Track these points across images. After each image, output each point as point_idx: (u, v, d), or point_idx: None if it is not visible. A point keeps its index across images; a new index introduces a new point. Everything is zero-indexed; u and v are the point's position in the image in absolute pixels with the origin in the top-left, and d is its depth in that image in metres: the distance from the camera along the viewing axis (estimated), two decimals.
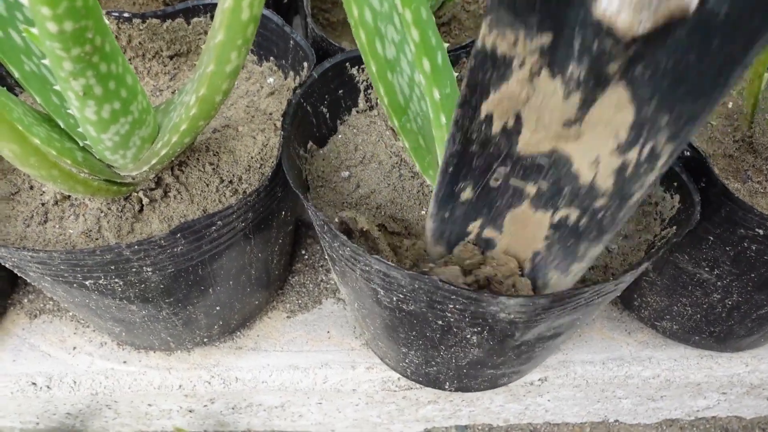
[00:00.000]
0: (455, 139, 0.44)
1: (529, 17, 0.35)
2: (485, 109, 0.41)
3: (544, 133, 0.42)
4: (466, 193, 0.49)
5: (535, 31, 0.36)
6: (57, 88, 0.50)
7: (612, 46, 0.34)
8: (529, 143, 0.43)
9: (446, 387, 0.77)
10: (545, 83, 0.39)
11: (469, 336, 0.60)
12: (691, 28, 0.32)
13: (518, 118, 0.41)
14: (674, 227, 0.58)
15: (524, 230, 0.51)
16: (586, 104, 0.39)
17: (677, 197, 0.60)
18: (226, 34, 0.43)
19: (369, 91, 0.72)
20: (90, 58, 0.41)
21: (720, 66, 0.32)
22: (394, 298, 0.57)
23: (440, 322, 0.58)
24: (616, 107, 0.38)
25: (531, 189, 0.47)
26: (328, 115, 0.70)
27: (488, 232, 0.53)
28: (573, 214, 0.46)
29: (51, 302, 0.86)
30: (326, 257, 0.75)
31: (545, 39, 0.36)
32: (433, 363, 0.70)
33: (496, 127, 0.43)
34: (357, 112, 0.73)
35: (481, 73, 0.39)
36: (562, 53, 0.36)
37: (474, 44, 0.37)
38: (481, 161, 0.46)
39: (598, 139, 0.40)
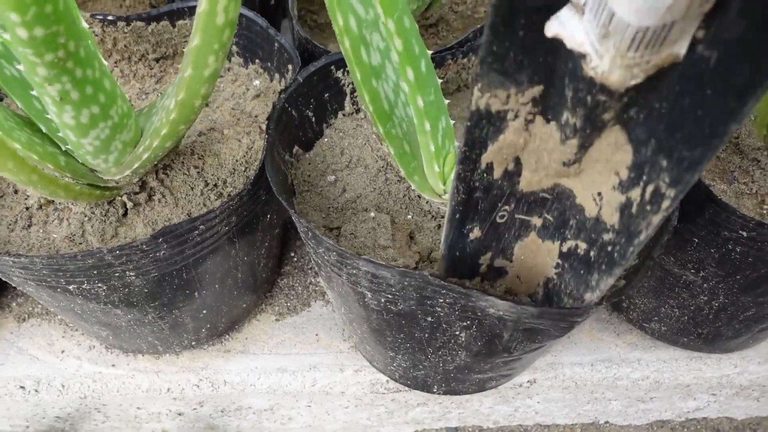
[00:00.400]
0: (458, 190, 0.45)
1: (519, 75, 0.36)
2: (485, 159, 0.42)
3: (545, 172, 0.43)
4: (475, 233, 0.50)
5: (525, 85, 0.36)
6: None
7: (605, 99, 0.34)
8: (530, 182, 0.45)
9: (434, 390, 0.77)
10: (540, 128, 0.40)
11: (457, 333, 0.60)
12: (682, 75, 0.31)
13: (518, 162, 0.43)
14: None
15: (534, 258, 0.52)
16: (584, 147, 0.39)
17: None
18: (202, 38, 0.43)
19: (355, 94, 0.72)
20: (64, 64, 0.41)
21: (716, 114, 0.31)
22: (382, 300, 0.57)
23: (429, 319, 0.58)
24: (613, 148, 0.38)
25: (537, 221, 0.48)
26: (314, 119, 0.70)
27: (499, 262, 0.54)
28: (582, 245, 0.46)
29: (39, 306, 0.86)
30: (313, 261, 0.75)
31: (536, 90, 0.37)
32: (420, 366, 0.70)
33: (497, 173, 0.44)
34: (343, 115, 0.73)
35: (477, 130, 0.40)
36: (555, 101, 0.37)
37: (468, 105, 0.38)
38: (486, 204, 0.47)
39: (599, 176, 0.41)
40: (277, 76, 0.73)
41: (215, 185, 0.64)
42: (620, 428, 1.00)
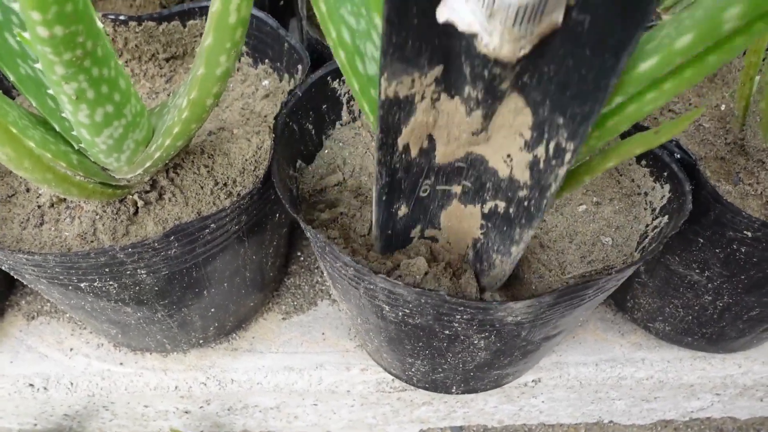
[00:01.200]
0: (382, 174, 0.49)
1: (419, 60, 0.39)
2: (401, 142, 0.46)
3: (456, 143, 0.48)
4: (402, 210, 0.55)
5: (426, 68, 0.40)
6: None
7: (500, 71, 0.39)
8: (445, 154, 0.49)
9: (453, 391, 0.77)
10: (446, 105, 0.44)
11: (476, 342, 0.60)
12: (563, 39, 0.35)
13: (431, 139, 0.47)
14: (665, 217, 0.58)
15: (460, 223, 0.56)
16: (488, 116, 0.44)
17: (667, 186, 0.61)
18: (215, 37, 0.44)
19: (351, 103, 0.72)
20: (81, 63, 0.41)
21: (597, 72, 0.35)
22: (400, 313, 0.58)
23: (447, 332, 0.59)
24: (514, 113, 0.42)
25: (457, 189, 0.53)
26: (313, 132, 0.70)
27: (429, 232, 0.59)
28: (501, 204, 0.51)
29: (48, 304, 0.87)
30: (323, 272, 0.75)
31: (437, 71, 0.40)
32: (440, 370, 0.70)
33: (414, 152, 0.48)
34: (341, 125, 0.73)
35: (390, 117, 0.43)
36: (456, 78, 0.41)
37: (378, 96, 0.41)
38: (408, 182, 0.51)
39: (506, 140, 0.45)
40: (286, 76, 0.74)
41: (225, 184, 0.65)
42: (624, 428, 1.01)
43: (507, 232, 0.53)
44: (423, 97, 0.43)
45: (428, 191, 0.53)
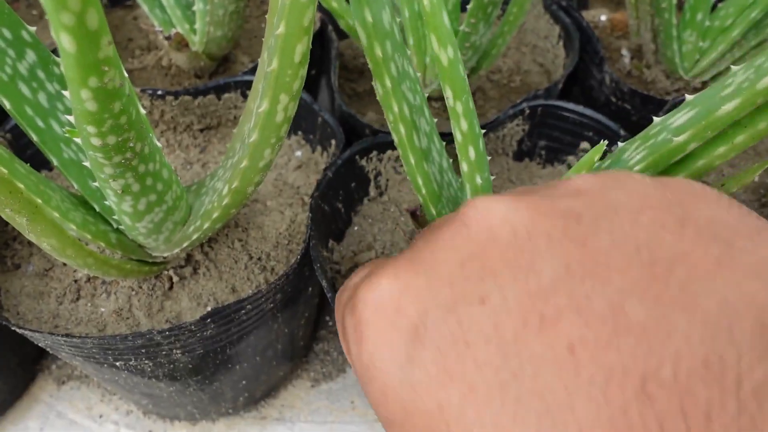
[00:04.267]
0: None
1: None
2: None
3: None
4: None
5: None
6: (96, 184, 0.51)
7: None
8: None
9: None
10: None
11: None
12: None
13: None
14: None
15: None
16: None
17: None
18: (261, 134, 0.44)
19: (378, 179, 0.73)
20: (129, 162, 0.42)
21: None
22: None
23: None
24: None
25: None
26: (343, 210, 0.70)
27: None
28: None
29: (78, 369, 0.87)
30: None
31: None
32: None
33: None
34: (368, 200, 0.73)
35: None
36: None
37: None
38: None
39: None
40: (319, 148, 0.75)
41: (259, 258, 0.65)
42: None
43: None
44: None
45: None
